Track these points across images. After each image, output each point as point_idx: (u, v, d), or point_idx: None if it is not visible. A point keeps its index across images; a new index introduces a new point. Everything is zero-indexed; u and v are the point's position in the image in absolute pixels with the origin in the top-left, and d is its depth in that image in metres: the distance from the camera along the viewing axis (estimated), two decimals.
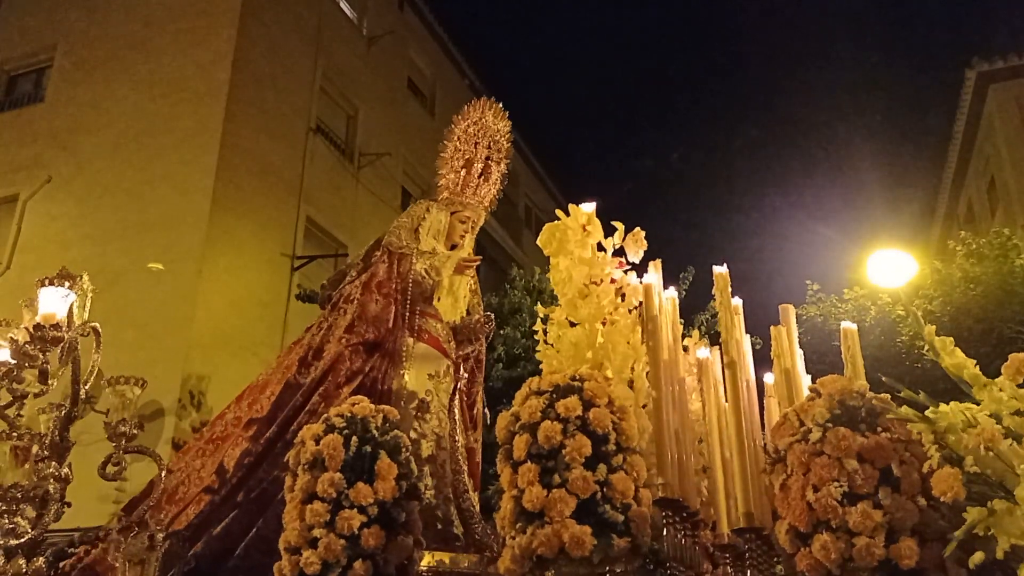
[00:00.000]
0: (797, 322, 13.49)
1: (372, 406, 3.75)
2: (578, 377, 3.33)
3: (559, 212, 4.10)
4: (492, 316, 5.51)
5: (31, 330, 4.17)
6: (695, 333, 4.57)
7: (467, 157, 5.67)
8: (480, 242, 23.32)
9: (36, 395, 4.26)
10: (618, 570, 3.16)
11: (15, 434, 4.05)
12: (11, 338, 4.31)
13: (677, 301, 4.09)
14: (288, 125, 17.21)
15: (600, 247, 4.13)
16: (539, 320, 4.15)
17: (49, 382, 4.22)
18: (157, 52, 16.77)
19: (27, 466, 4.01)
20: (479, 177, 5.66)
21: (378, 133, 19.20)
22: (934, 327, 2.82)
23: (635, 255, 4.07)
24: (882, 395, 2.96)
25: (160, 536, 3.81)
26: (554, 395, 3.28)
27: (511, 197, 25.52)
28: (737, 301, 3.93)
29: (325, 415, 3.77)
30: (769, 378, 4.56)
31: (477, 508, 4.93)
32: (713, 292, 3.79)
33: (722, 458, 3.94)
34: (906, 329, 12.38)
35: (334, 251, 17.74)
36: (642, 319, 3.82)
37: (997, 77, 19.39)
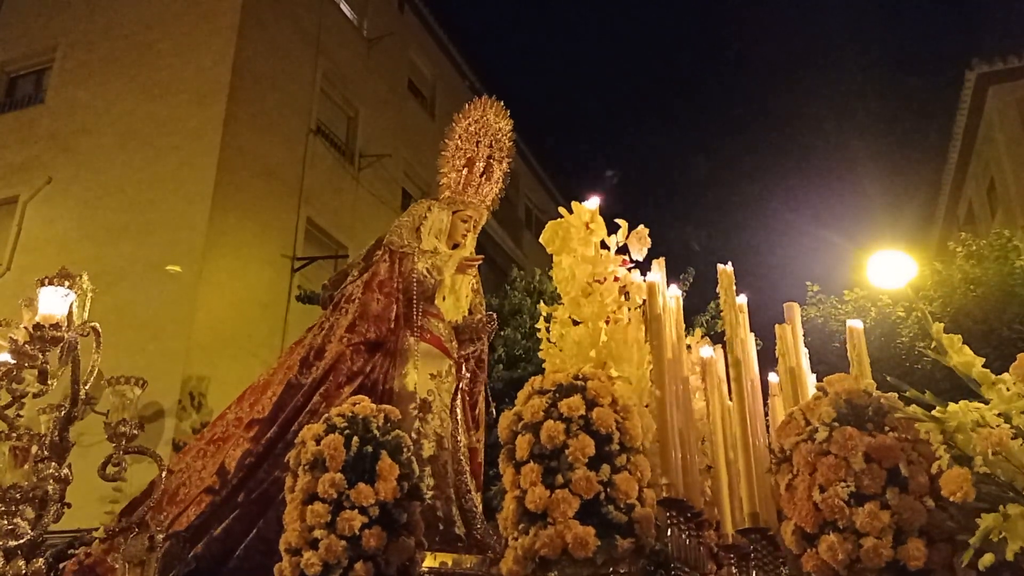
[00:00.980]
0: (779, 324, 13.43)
1: (373, 406, 3.72)
2: (581, 376, 3.30)
3: (562, 210, 4.08)
4: (494, 316, 5.48)
5: (31, 330, 4.15)
6: (698, 332, 4.54)
7: (469, 156, 5.64)
8: (480, 243, 23.23)
9: (36, 395, 4.24)
10: (622, 571, 3.14)
11: (15, 434, 4.02)
12: (11, 338, 4.28)
13: (681, 300, 4.07)
14: (288, 126, 17.20)
15: (603, 245, 4.12)
16: (542, 319, 4.12)
17: (49, 382, 4.20)
18: (157, 54, 16.77)
19: (27, 467, 3.98)
20: (481, 176, 5.63)
21: (378, 134, 19.19)
22: (942, 325, 2.79)
23: (639, 253, 4.04)
24: (889, 394, 2.93)
25: (160, 537, 3.78)
26: (557, 394, 3.26)
27: (511, 198, 25.47)
28: (742, 299, 3.91)
29: (326, 415, 3.74)
30: (773, 378, 4.55)
31: (479, 509, 4.91)
32: (717, 291, 3.76)
33: (726, 458, 3.92)
34: (906, 330, 12.37)
35: (334, 252, 17.72)
36: (646, 318, 3.81)
37: (997, 78, 19.35)
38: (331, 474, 3.49)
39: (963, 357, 2.71)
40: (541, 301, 13.67)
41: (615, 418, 3.22)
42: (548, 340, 4.06)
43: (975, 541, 2.47)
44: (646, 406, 3.75)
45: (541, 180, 26.85)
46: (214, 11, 16.80)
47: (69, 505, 4.21)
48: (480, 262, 5.50)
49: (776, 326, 3.84)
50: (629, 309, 3.94)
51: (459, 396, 5.13)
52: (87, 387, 4.40)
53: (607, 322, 3.86)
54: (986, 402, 2.66)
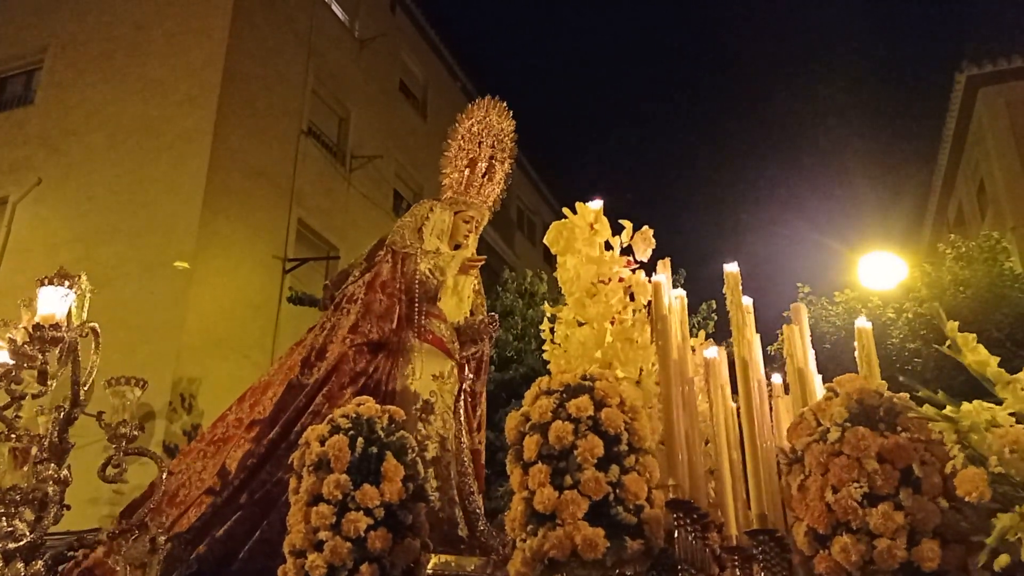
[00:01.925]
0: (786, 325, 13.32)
1: (378, 406, 3.70)
2: (589, 377, 3.29)
3: (566, 211, 4.06)
4: (496, 317, 5.46)
5: (30, 330, 4.11)
6: (701, 333, 4.52)
7: (471, 156, 5.61)
8: None
9: (35, 396, 4.20)
10: (629, 573, 3.12)
11: (14, 436, 3.98)
12: (9, 338, 4.25)
13: (685, 300, 4.05)
14: (279, 127, 17.14)
15: (607, 246, 4.10)
16: (546, 319, 4.11)
17: (48, 383, 4.16)
18: (148, 55, 16.68)
19: (26, 468, 3.95)
20: (483, 177, 5.61)
21: (370, 136, 19.14)
22: (956, 323, 2.79)
23: (643, 254, 4.03)
24: (900, 395, 2.93)
25: (162, 539, 3.75)
26: (564, 395, 3.25)
27: (503, 200, 25.40)
28: (747, 300, 3.89)
29: (330, 416, 3.71)
30: (776, 379, 4.55)
31: (482, 510, 4.89)
32: (724, 291, 3.75)
33: (729, 459, 3.91)
34: (896, 332, 12.40)
35: (326, 254, 17.67)
36: (651, 318, 3.79)
37: (987, 81, 19.37)
38: (336, 475, 3.46)
39: (977, 356, 2.70)
40: (532, 303, 13.67)
41: (624, 419, 3.21)
42: (552, 341, 4.04)
43: (991, 541, 2.45)
44: (650, 408, 3.74)
45: (533, 182, 26.83)
46: (205, 12, 16.72)
47: (68, 507, 4.17)
48: (483, 263, 5.48)
49: (784, 327, 3.82)
50: (635, 310, 3.93)
51: (462, 397, 5.11)
52: (86, 388, 4.36)
53: (612, 323, 3.84)
54: (999, 402, 2.65)
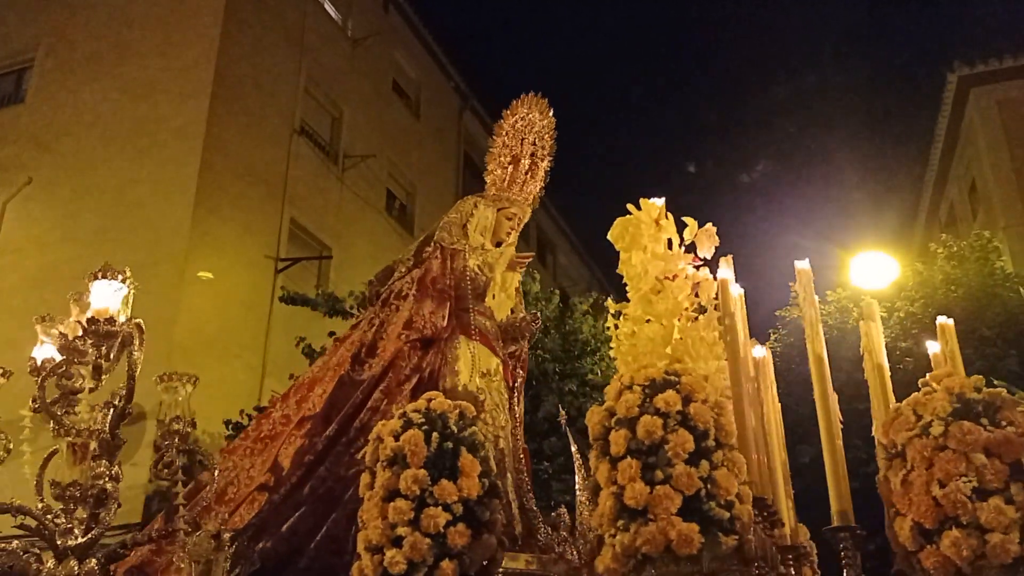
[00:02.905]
0: (780, 324, 13.31)
1: (448, 401, 3.64)
2: (674, 372, 3.25)
3: (630, 206, 4.02)
4: (538, 315, 5.43)
5: (85, 324, 4.03)
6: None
7: (514, 153, 5.57)
8: None
9: (91, 390, 4.11)
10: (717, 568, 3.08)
11: (74, 430, 3.90)
12: (59, 332, 4.16)
13: (743, 297, 4.03)
14: (272, 127, 17.05)
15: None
16: (610, 316, 4.07)
17: (101, 378, 4.08)
18: (139, 53, 16.56)
19: (85, 464, 3.86)
20: (525, 174, 5.57)
21: (363, 135, 19.07)
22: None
23: (707, 251, 3.99)
24: (995, 390, 2.90)
25: (227, 536, 3.67)
26: (650, 390, 3.21)
27: None
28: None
29: (401, 410, 3.65)
30: None
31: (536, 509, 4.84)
32: (794, 288, 3.71)
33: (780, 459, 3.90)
34: (888, 331, 12.45)
35: (318, 253, 17.60)
36: (720, 315, 3.77)
37: (978, 81, 19.54)
38: (413, 470, 3.40)
39: None
40: (525, 302, 13.63)
41: (711, 413, 3.17)
42: (618, 337, 3.99)
43: None
44: None
45: None
46: (197, 10, 16.61)
47: (119, 504, 4.08)
48: (531, 259, 5.43)
49: (860, 323, 3.80)
50: (703, 307, 3.89)
51: (516, 394, 5.07)
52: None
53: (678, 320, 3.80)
54: None
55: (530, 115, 5.62)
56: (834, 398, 3.54)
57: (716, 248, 4.02)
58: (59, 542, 3.80)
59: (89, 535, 3.81)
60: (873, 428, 3.37)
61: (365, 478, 3.56)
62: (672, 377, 3.23)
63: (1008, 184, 18.92)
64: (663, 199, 4.01)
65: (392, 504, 3.38)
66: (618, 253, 4.04)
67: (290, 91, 17.60)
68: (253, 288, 15.84)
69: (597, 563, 3.18)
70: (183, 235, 14.69)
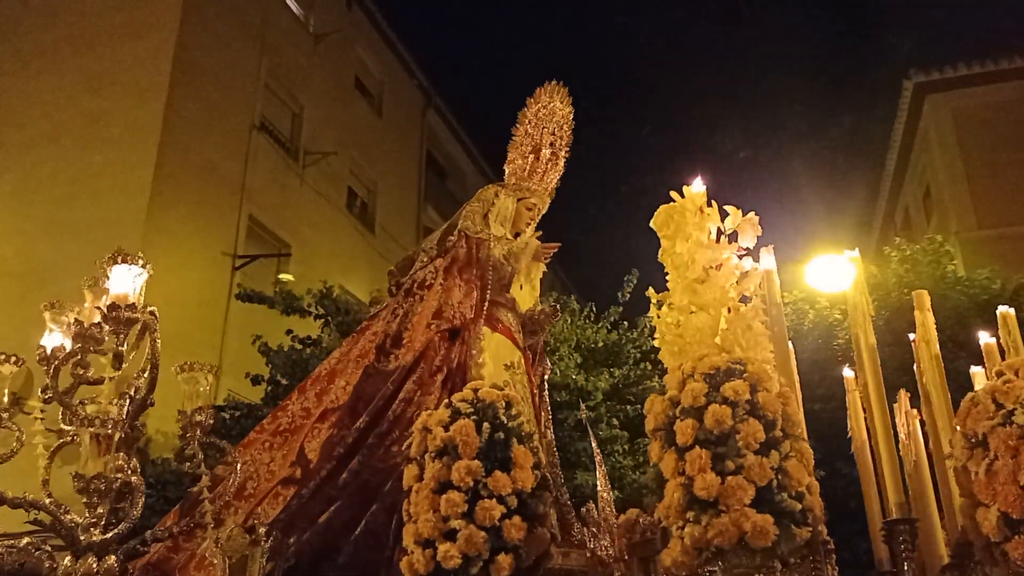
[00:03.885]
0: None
1: (496, 391, 3.54)
2: (738, 360, 3.18)
3: (673, 194, 3.94)
4: (558, 307, 5.32)
5: (104, 311, 3.84)
6: None
7: (535, 143, 5.47)
8: None
9: (111, 379, 3.93)
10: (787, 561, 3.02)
11: (98, 420, 3.71)
12: (76, 320, 3.97)
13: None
14: (231, 122, 16.78)
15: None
16: (652, 305, 3.99)
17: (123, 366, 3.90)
18: (94, 45, 16.19)
19: (110, 456, 3.68)
20: (546, 163, 5.47)
21: (324, 132, 18.84)
22: None
23: (750, 240, 3.93)
24: None
25: (262, 531, 3.52)
26: (714, 379, 3.14)
27: (458, 197, 25.28)
28: None
29: (446, 400, 3.55)
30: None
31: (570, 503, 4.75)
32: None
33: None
34: (843, 333, 12.59)
35: (277, 250, 17.36)
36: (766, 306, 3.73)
37: (934, 88, 19.92)
38: (466, 461, 3.28)
39: None
40: None
41: (779, 403, 3.11)
42: (666, 327, 3.90)
43: None
44: None
45: (490, 181, 26.60)
46: (155, 3, 16.29)
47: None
48: (557, 250, 5.34)
49: (915, 313, 3.77)
50: (748, 297, 3.83)
51: (544, 387, 4.97)
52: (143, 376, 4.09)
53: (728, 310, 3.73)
54: None
55: (552, 104, 5.53)
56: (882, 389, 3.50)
57: None
58: (82, 538, 3.61)
59: (115, 530, 3.62)
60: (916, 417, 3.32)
61: (412, 470, 3.44)
62: (737, 366, 3.16)
63: (961, 190, 19.28)
64: (704, 186, 3.94)
65: (445, 496, 3.27)
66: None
67: (250, 86, 17.32)
68: (210, 285, 15.55)
69: (663, 556, 3.10)
70: (138, 231, 14.34)
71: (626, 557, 4.21)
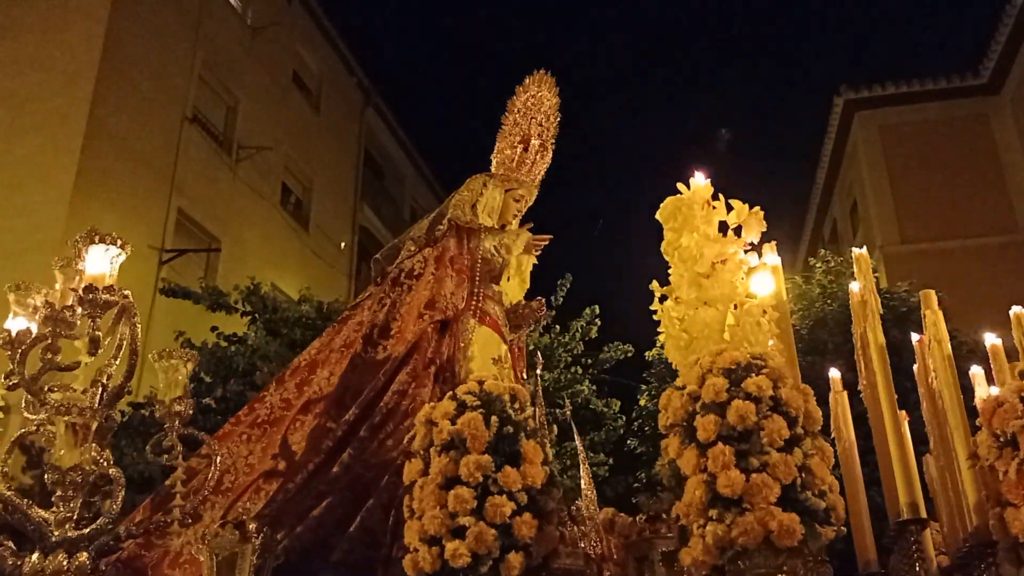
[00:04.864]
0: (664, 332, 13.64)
1: (502, 384, 3.42)
2: (759, 356, 3.12)
3: (680, 186, 3.87)
4: (544, 301, 5.21)
5: (81, 293, 3.62)
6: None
7: (523, 133, 5.35)
8: (363, 242, 22.70)
9: (86, 365, 3.69)
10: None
11: (75, 408, 3.49)
12: (46, 302, 3.73)
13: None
14: (162, 112, 16.32)
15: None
16: (656, 300, 3.91)
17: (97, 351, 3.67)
18: (20, 28, 15.61)
19: (86, 447, 3.45)
20: (536, 154, 5.35)
21: (259, 126, 18.43)
22: None
23: (755, 235, 3.88)
24: None
25: (252, 526, 3.34)
26: (735, 374, 3.07)
27: (395, 197, 25.00)
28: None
29: (450, 392, 3.41)
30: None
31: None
32: (856, 275, 3.66)
33: None
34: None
35: (207, 245, 16.94)
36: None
37: (863, 105, 20.33)
38: (476, 455, 3.15)
39: None
40: None
41: (801, 399, 3.05)
42: (669, 321, 3.82)
43: None
44: None
45: (428, 182, 26.43)
46: None
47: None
48: (548, 242, 5.23)
49: (925, 311, 3.75)
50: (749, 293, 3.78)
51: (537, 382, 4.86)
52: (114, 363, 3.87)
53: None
54: None
55: (540, 93, 5.42)
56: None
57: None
58: (56, 533, 3.38)
59: (94, 526, 3.40)
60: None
61: (415, 464, 3.30)
62: (758, 361, 3.10)
63: (886, 206, 19.69)
64: (708, 179, 3.89)
65: (453, 492, 3.14)
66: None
67: (183, 76, 16.88)
68: (136, 279, 14.98)
69: (683, 555, 3.01)
70: (60, 221, 13.85)
71: (615, 556, 4.14)
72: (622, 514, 4.71)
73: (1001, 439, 2.87)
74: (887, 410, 3.42)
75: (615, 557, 4.16)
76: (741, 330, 3.55)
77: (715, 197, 3.82)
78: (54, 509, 3.42)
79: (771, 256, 3.89)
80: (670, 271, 3.87)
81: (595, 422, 12.42)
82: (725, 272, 3.68)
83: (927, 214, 19.27)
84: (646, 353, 13.37)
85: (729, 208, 3.83)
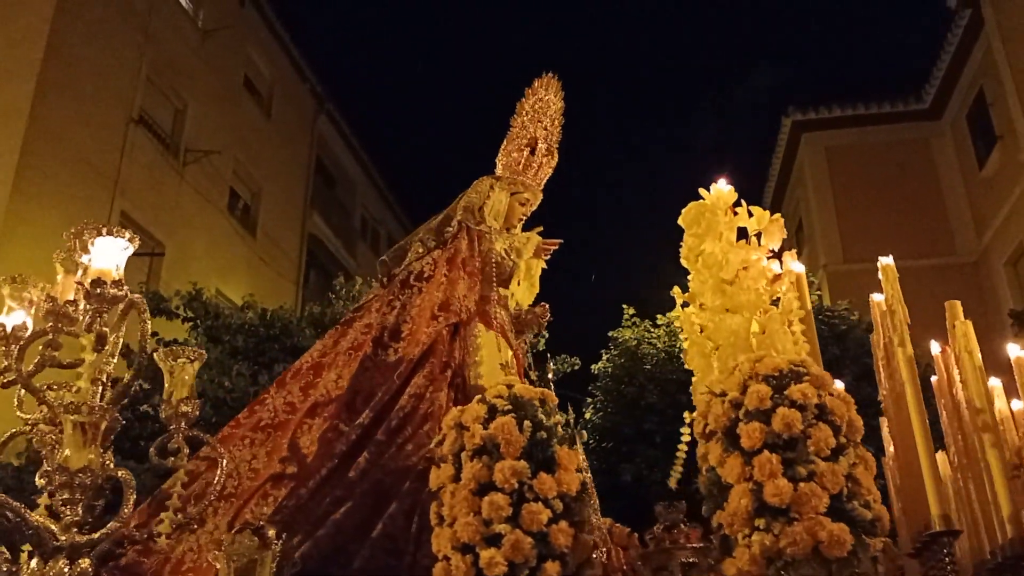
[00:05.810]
0: (612, 345, 13.82)
1: (532, 388, 3.33)
2: (800, 363, 3.08)
3: (702, 191, 3.83)
4: (547, 307, 5.13)
5: (88, 287, 3.45)
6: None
7: (530, 137, 5.27)
8: (311, 249, 22.34)
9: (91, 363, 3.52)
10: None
11: (84, 407, 3.31)
12: (49, 296, 3.56)
13: None
14: (107, 113, 15.92)
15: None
16: (678, 306, 3.86)
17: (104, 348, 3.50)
18: None
19: (95, 447, 3.28)
20: (543, 158, 5.28)
21: (208, 130, 18.07)
22: None
23: (775, 242, 3.86)
24: None
25: (271, 532, 3.20)
26: (778, 381, 3.02)
27: (347, 206, 24.66)
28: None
29: (479, 396, 3.32)
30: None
31: None
32: (883, 285, 3.65)
33: None
34: None
35: (151, 249, 16.51)
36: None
37: (810, 127, 20.68)
38: (511, 461, 3.06)
39: None
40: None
41: (845, 408, 3.01)
42: (692, 328, 3.77)
43: None
44: None
45: (380, 191, 26.18)
46: None
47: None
48: (558, 246, 5.15)
49: (955, 323, 3.74)
50: (778, 300, 3.75)
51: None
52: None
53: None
54: None
55: (547, 97, 5.35)
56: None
57: None
58: (63, 538, 3.20)
59: (104, 530, 3.23)
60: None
61: (446, 469, 3.19)
62: (800, 368, 3.06)
63: (829, 225, 20.02)
64: (731, 185, 3.85)
65: (488, 498, 3.04)
66: None
67: (130, 77, 16.49)
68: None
69: (726, 566, 2.95)
70: None
71: (624, 567, 4.08)
72: (619, 524, 4.66)
73: None
74: (916, 420, 3.40)
75: (624, 568, 4.11)
76: (768, 338, 3.52)
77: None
78: (61, 512, 3.25)
79: (795, 264, 3.87)
80: (689, 278, 3.85)
81: None
82: (749, 279, 3.64)
83: (870, 235, 19.57)
84: (592, 366, 13.36)
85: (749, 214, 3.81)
